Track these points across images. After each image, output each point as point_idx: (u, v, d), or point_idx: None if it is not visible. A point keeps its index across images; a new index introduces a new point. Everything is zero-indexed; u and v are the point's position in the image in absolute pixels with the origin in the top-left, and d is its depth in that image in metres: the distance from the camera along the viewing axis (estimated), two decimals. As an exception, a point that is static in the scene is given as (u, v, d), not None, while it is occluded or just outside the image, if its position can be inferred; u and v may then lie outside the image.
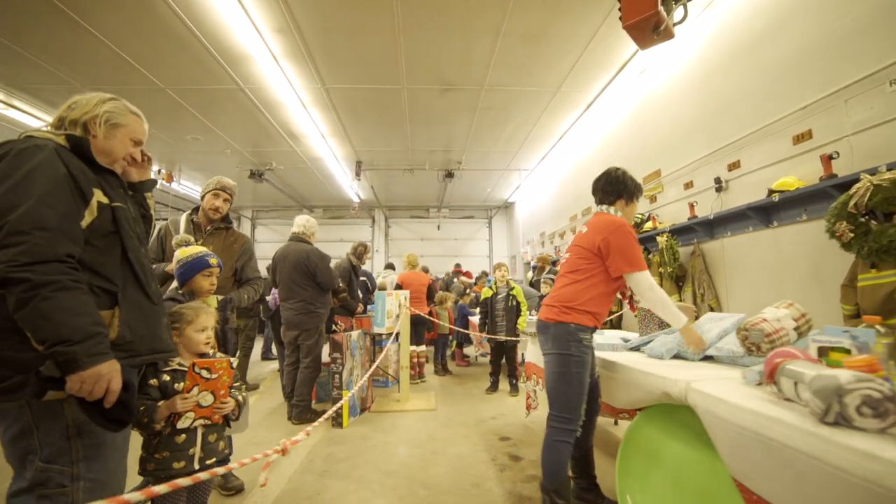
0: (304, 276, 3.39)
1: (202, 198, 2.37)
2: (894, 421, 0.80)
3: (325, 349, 3.55)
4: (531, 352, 3.04)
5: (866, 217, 2.17)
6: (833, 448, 0.81)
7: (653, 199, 4.91)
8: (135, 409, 1.24)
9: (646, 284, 1.85)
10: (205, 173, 8.93)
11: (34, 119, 5.93)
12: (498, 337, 4.44)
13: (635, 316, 4.51)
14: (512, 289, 4.61)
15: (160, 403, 1.43)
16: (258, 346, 7.10)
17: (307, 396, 3.39)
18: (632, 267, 1.87)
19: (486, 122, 6.62)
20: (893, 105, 2.32)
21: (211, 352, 1.65)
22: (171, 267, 1.89)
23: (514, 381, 4.47)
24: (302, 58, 4.72)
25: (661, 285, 4.33)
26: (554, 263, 7.78)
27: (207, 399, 1.49)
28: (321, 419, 2.24)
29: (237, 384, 1.65)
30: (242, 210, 12.39)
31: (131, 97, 4.90)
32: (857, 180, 2.17)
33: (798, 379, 0.96)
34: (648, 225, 4.65)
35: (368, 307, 4.95)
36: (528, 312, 4.63)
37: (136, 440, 1.45)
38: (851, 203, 2.16)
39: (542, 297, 6.07)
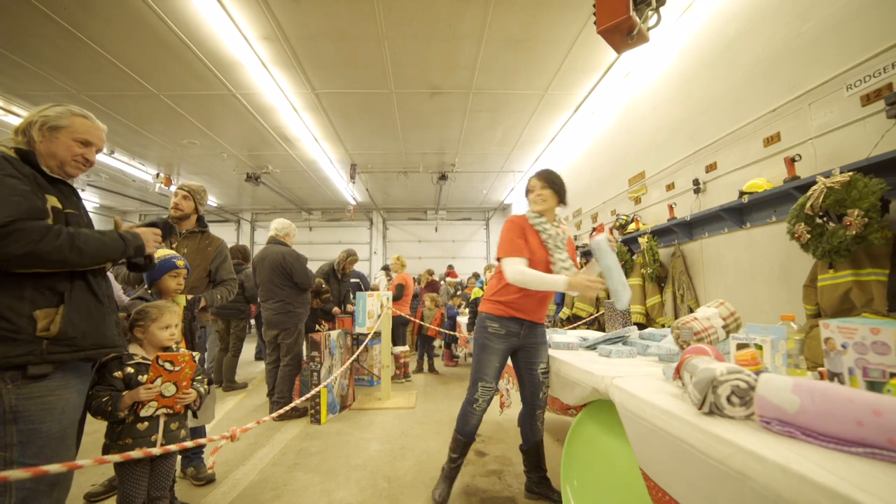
0: (281, 276, 3.49)
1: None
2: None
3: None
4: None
5: (823, 218, 2.21)
6: (701, 434, 0.86)
7: (637, 200, 4.95)
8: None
9: (510, 270, 2.00)
10: (202, 177, 9.07)
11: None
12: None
13: (602, 315, 4.56)
14: None
15: (124, 393, 1.51)
16: (253, 346, 7.20)
17: (287, 393, 3.47)
18: (500, 253, 2.11)
19: (477, 125, 6.69)
20: (849, 109, 2.35)
21: (175, 347, 1.73)
22: None
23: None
24: (290, 64, 4.81)
25: (644, 286, 4.37)
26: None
27: (170, 389, 1.58)
28: (287, 407, 2.32)
29: (199, 377, 1.74)
30: (242, 213, 12.53)
31: (127, 103, 5.02)
32: (814, 183, 2.21)
33: (692, 372, 1.01)
34: (632, 226, 4.69)
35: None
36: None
37: (99, 432, 1.54)
38: (808, 205, 2.20)
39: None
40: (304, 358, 3.64)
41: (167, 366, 1.56)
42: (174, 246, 2.34)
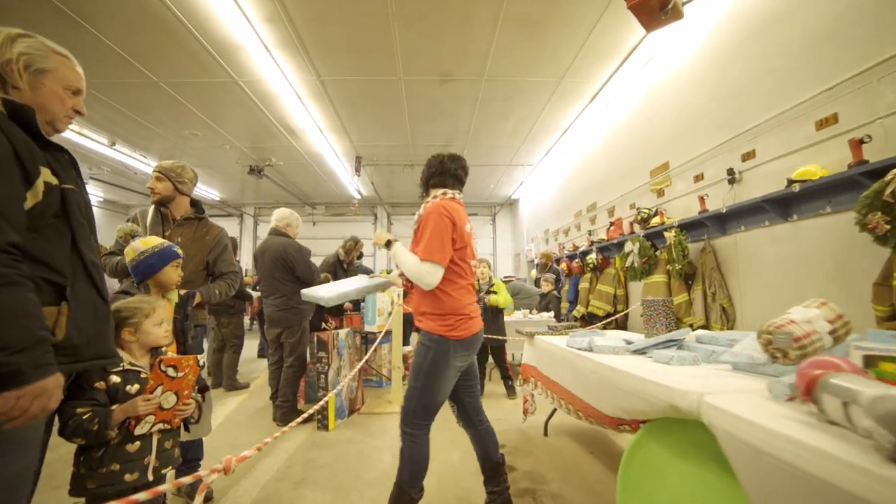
0: (283, 270, 3.24)
1: None
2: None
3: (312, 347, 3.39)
4: (529, 354, 2.84)
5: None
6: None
7: (660, 192, 4.68)
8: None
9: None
10: (205, 170, 8.85)
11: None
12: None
13: (640, 315, 4.30)
14: (492, 285, 4.36)
15: (115, 407, 1.26)
16: (255, 343, 6.98)
17: (291, 397, 3.24)
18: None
19: (488, 115, 6.43)
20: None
21: (166, 346, 1.51)
22: (127, 260, 1.71)
23: (510, 383, 4.24)
24: (295, 48, 4.56)
25: (669, 284, 4.11)
26: (557, 261, 7.60)
27: (170, 400, 1.36)
28: (297, 421, 2.08)
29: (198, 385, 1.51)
30: (245, 207, 12.31)
31: (128, 92, 4.78)
32: (893, 166, 1.95)
33: (849, 398, 0.75)
34: (656, 220, 4.42)
35: (361, 304, 4.78)
36: (528, 312, 4.43)
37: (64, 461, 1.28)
38: (888, 191, 1.94)
39: (542, 295, 5.86)
40: (311, 358, 3.41)
41: (170, 372, 1.33)
42: (166, 234, 2.09)
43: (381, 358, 4.51)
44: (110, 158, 7.66)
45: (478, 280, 4.43)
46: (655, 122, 4.75)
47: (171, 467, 1.42)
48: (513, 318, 4.86)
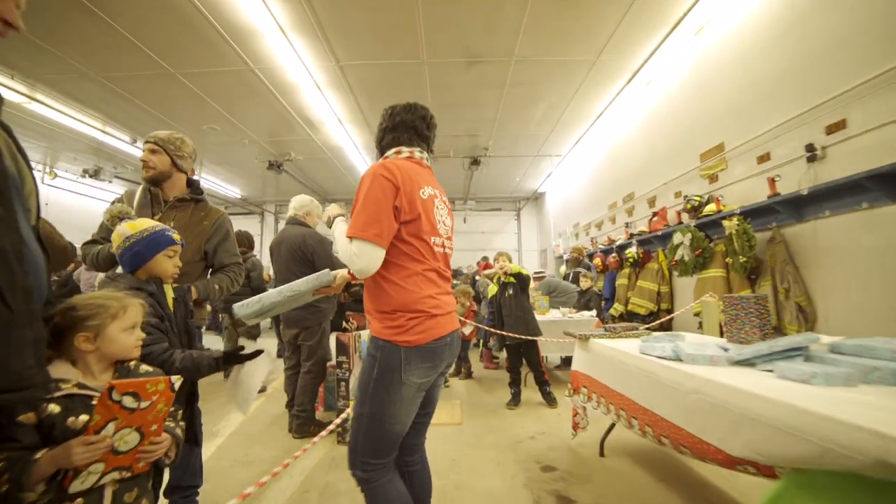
0: (301, 263, 2.91)
1: None
2: None
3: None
4: (580, 358, 2.45)
5: None
6: None
7: (713, 178, 4.20)
8: None
9: None
10: (225, 166, 8.74)
11: (56, 112, 5.82)
12: (507, 334, 3.75)
13: (695, 315, 3.84)
14: (512, 283, 3.85)
15: (39, 455, 0.87)
16: (272, 343, 6.76)
17: (309, 406, 2.93)
18: None
19: (516, 102, 6.03)
20: None
21: (134, 362, 1.15)
22: (114, 247, 1.41)
23: (547, 389, 3.78)
24: (312, 31, 4.28)
25: (727, 279, 3.64)
26: (590, 256, 7.13)
27: (130, 440, 0.97)
28: (314, 441, 1.77)
29: (174, 409, 1.16)
30: (266, 205, 12.22)
31: (144, 85, 4.56)
32: None
33: None
34: (710, 208, 3.95)
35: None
36: (567, 311, 4.02)
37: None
38: None
39: (580, 291, 5.42)
40: (332, 361, 3.10)
41: (126, 402, 0.93)
42: (157, 218, 1.77)
43: (407, 361, 4.18)
44: (132, 156, 7.59)
45: (496, 277, 4.02)
46: (707, 98, 4.26)
47: None
48: (548, 317, 4.46)
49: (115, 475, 0.98)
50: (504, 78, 5.31)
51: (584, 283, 5.37)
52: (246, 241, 4.35)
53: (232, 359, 1.41)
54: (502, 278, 3.92)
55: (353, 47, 4.63)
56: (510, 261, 3.92)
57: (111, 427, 0.93)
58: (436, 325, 1.38)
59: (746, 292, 3.43)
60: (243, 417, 3.42)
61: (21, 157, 0.91)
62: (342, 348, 2.84)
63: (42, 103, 5.62)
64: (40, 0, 3.78)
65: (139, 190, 1.84)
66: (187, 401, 1.53)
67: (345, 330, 3.15)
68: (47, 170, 8.26)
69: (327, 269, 1.66)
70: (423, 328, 1.35)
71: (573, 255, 6.36)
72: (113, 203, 1.80)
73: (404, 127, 1.52)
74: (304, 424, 2.88)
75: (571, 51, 4.76)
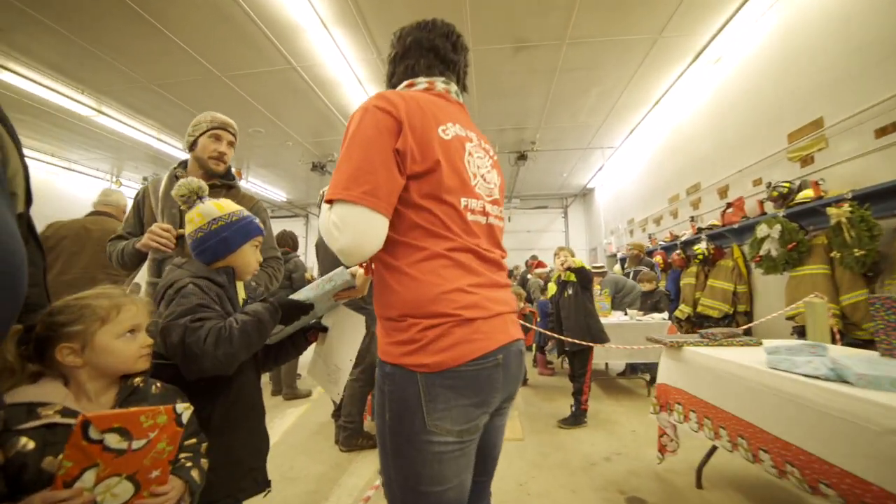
0: None
1: (191, 146, 1.71)
2: None
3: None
4: (670, 369, 2.09)
5: None
6: None
7: (806, 160, 3.65)
8: None
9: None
10: (270, 169, 8.88)
11: (119, 123, 6.07)
12: (563, 338, 3.35)
13: (789, 318, 3.31)
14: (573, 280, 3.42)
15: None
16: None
17: (357, 416, 2.72)
18: None
19: (566, 90, 5.65)
20: None
21: (141, 383, 0.90)
22: (188, 230, 1.17)
23: (581, 408, 3.24)
24: (354, 22, 4.13)
25: (834, 277, 3.11)
26: (650, 254, 6.58)
27: (120, 492, 0.71)
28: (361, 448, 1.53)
29: (192, 443, 0.91)
30: (310, 207, 12.40)
31: (192, 89, 4.55)
32: None
33: None
34: (806, 194, 3.41)
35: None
36: (636, 313, 3.60)
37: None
38: None
39: (646, 293, 4.94)
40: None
41: (111, 441, 0.68)
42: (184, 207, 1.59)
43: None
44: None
45: (556, 275, 3.64)
46: (798, 70, 3.72)
47: None
48: (612, 319, 4.05)
49: None
50: (555, 63, 4.95)
51: (647, 285, 4.90)
52: (290, 242, 4.24)
53: (295, 310, 1.14)
54: (562, 276, 3.55)
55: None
56: (572, 255, 3.51)
57: (90, 476, 0.68)
58: (474, 336, 0.87)
59: (860, 293, 2.90)
60: (288, 424, 3.28)
61: (6, 132, 0.71)
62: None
63: (107, 115, 5.86)
64: (104, 18, 3.91)
65: (164, 178, 1.67)
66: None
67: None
68: (114, 179, 8.72)
69: (342, 268, 1.18)
70: (451, 341, 0.85)
71: (633, 253, 5.86)
72: (139, 192, 1.64)
73: (419, 49, 1.05)
74: (351, 437, 2.67)
75: (630, 28, 4.34)
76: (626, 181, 8.54)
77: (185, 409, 0.77)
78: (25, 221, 0.74)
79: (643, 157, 7.61)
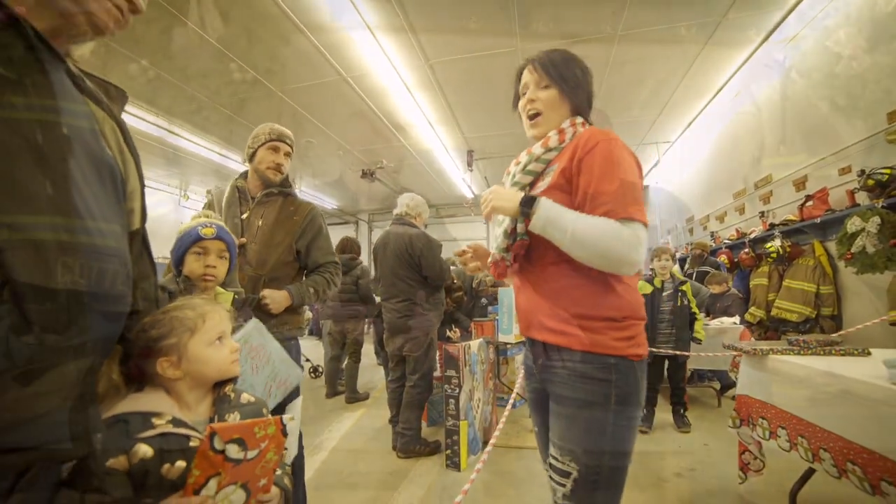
0: (408, 268, 2.72)
1: (251, 157, 1.77)
2: None
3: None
4: (752, 380, 1.90)
5: None
6: None
7: (905, 145, 3.24)
8: None
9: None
10: (321, 178, 9.22)
11: (187, 141, 6.55)
12: (661, 350, 3.26)
13: (894, 324, 2.96)
14: (682, 283, 3.41)
15: None
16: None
17: (415, 423, 2.72)
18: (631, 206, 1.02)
19: (618, 84, 5.42)
20: None
21: (232, 390, 0.93)
22: None
23: (683, 411, 3.29)
24: (402, 27, 4.18)
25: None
26: (713, 253, 6.16)
27: (236, 499, 0.75)
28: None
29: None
30: (360, 213, 12.74)
31: (250, 105, 4.83)
32: None
33: None
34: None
35: (490, 309, 4.14)
36: (704, 317, 3.39)
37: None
38: None
39: (714, 295, 4.62)
40: (438, 373, 2.87)
41: (231, 451, 0.71)
42: (245, 216, 1.65)
43: (513, 371, 3.82)
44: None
45: (657, 276, 3.57)
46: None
47: None
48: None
49: None
50: (606, 57, 4.76)
51: (718, 287, 4.59)
52: (355, 248, 4.36)
53: None
54: (668, 283, 3.50)
55: (443, 43, 4.46)
56: (674, 261, 3.55)
57: (213, 484, 0.71)
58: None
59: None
60: (347, 428, 3.34)
61: (130, 153, 0.76)
62: (451, 361, 2.57)
63: (177, 135, 6.33)
64: (183, 50, 4.22)
65: (228, 187, 1.75)
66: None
67: (449, 339, 2.90)
68: (182, 193, 9.40)
69: (298, 372, 1.35)
70: (644, 338, 1.11)
71: (696, 252, 5.50)
72: (203, 207, 1.73)
73: (590, 97, 1.26)
74: (409, 443, 2.67)
75: (689, 13, 4.08)
76: (684, 177, 8.06)
77: (289, 420, 0.80)
78: (141, 237, 0.77)
79: (702, 150, 7.15)
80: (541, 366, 1.11)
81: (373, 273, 3.28)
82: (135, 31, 4.07)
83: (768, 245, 4.62)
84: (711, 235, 6.74)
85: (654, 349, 3.36)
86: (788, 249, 4.44)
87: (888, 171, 3.23)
